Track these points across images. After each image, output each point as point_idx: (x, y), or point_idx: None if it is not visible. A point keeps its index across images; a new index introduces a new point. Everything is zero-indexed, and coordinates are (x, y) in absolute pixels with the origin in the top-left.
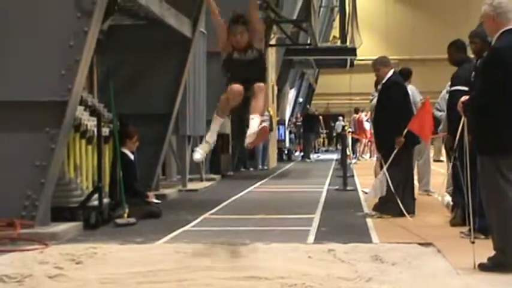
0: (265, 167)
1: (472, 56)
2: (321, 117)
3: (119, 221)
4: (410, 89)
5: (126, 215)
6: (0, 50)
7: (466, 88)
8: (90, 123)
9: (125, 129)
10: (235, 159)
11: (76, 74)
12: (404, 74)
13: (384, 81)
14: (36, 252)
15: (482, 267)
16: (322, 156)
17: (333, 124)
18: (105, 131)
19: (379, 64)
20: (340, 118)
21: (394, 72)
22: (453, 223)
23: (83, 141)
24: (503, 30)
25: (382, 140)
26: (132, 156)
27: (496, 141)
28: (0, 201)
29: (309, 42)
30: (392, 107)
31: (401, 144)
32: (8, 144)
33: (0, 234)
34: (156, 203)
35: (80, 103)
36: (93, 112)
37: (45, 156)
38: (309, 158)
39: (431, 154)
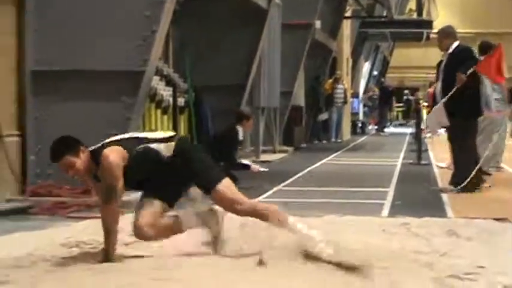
0: (339, 140)
1: None
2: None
3: (192, 192)
4: None
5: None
6: (79, 22)
7: None
8: (166, 93)
9: (243, 112)
10: (309, 131)
11: (152, 44)
12: (484, 48)
13: (450, 51)
14: (88, 220)
15: None
16: (396, 130)
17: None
18: (181, 101)
19: (442, 35)
20: (406, 92)
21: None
22: None
23: (159, 111)
24: None
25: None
26: (241, 135)
27: None
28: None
29: (384, 14)
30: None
31: (461, 82)
32: (85, 113)
33: (76, 201)
34: (263, 171)
35: (155, 73)
36: (169, 82)
37: (121, 125)
38: (383, 131)
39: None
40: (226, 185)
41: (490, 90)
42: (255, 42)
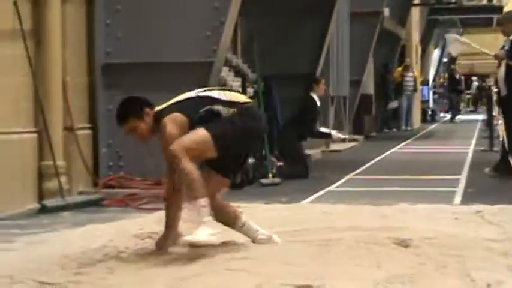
0: (409, 128)
1: None
2: (463, 77)
3: (264, 181)
4: None
5: (271, 175)
6: (148, 14)
7: None
8: (235, 83)
9: (311, 76)
10: (379, 120)
11: (221, 35)
12: None
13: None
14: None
15: None
16: (468, 117)
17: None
18: (250, 91)
19: (505, 20)
20: (474, 78)
21: None
22: None
23: None
24: None
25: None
26: (318, 101)
27: None
28: (150, 162)
29: (453, 1)
30: None
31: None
32: (156, 104)
33: (148, 193)
34: (344, 139)
35: (224, 64)
36: (238, 73)
37: None
38: (454, 119)
39: None
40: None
41: None
42: (323, 31)
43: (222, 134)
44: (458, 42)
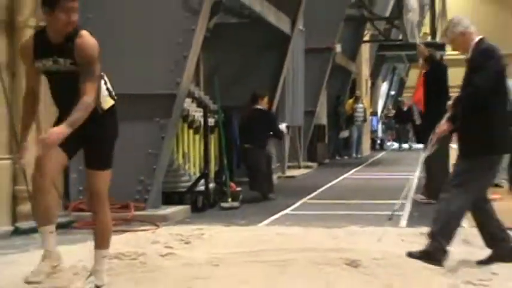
0: (359, 156)
1: None
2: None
3: (223, 204)
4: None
5: (230, 199)
6: (118, 48)
7: None
8: (197, 114)
9: (256, 92)
10: (331, 148)
11: (184, 68)
12: None
13: None
14: (148, 232)
15: None
16: (416, 145)
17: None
18: (211, 121)
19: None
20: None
21: None
22: None
23: (191, 131)
24: (475, 41)
25: None
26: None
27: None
28: (116, 185)
29: (400, 38)
30: None
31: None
32: (123, 133)
33: (116, 215)
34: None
35: (187, 95)
36: (200, 104)
37: (157, 145)
38: (401, 147)
39: None
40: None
41: None
42: (280, 66)
43: None
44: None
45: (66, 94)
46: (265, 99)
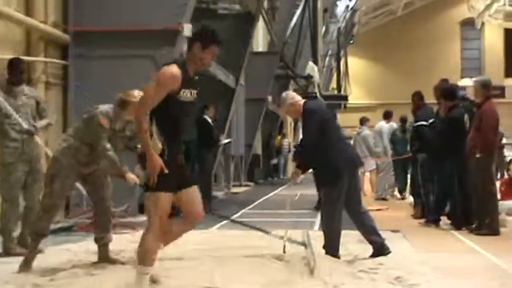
0: (285, 177)
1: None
2: None
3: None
4: (391, 125)
5: None
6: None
7: (426, 123)
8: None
9: (204, 104)
10: (265, 171)
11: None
12: (387, 114)
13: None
14: (129, 234)
15: None
16: None
17: None
18: None
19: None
20: None
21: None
22: (415, 217)
23: None
24: (302, 105)
25: None
26: (210, 120)
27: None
28: None
29: (315, 91)
30: None
31: None
32: None
33: None
34: (227, 142)
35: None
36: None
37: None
38: None
39: None
40: None
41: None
42: (227, 111)
43: None
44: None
45: (189, 124)
46: (211, 109)
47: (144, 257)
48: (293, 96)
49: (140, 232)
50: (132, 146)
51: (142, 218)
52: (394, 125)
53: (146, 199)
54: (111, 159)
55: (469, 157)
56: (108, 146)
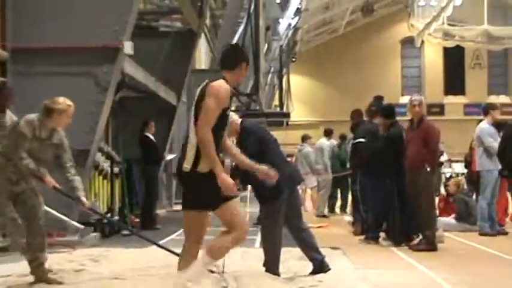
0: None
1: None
2: None
3: (124, 232)
4: (331, 142)
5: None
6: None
7: (363, 140)
8: (106, 164)
9: (144, 121)
10: None
11: (96, 131)
12: (328, 132)
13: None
14: (67, 253)
15: None
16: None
17: None
18: (116, 170)
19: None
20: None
21: None
22: (355, 233)
23: (100, 177)
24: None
25: None
26: (152, 137)
27: None
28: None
29: (257, 108)
30: None
31: None
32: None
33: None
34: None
35: (98, 150)
36: (108, 156)
37: None
38: None
39: None
40: None
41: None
42: (168, 128)
43: None
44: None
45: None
46: (152, 125)
47: (217, 250)
48: (231, 115)
49: (78, 251)
50: (60, 153)
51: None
52: (334, 142)
53: (225, 210)
54: (27, 168)
55: (415, 173)
56: (24, 155)
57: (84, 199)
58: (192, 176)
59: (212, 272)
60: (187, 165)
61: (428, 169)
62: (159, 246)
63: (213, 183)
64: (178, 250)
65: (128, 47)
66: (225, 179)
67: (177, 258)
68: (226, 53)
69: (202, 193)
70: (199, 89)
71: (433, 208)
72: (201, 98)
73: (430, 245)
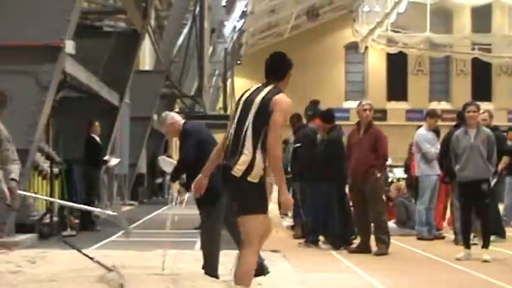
0: (170, 196)
1: None
2: None
3: (63, 233)
4: None
5: (69, 229)
6: None
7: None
8: (45, 164)
9: (90, 122)
10: (149, 190)
11: (36, 130)
12: None
13: None
14: (3, 255)
15: None
16: None
17: None
18: (55, 170)
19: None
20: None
21: None
22: (295, 237)
23: (40, 178)
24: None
25: None
26: (98, 139)
27: None
28: None
29: (202, 110)
30: None
31: None
32: None
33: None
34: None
35: (38, 150)
36: (48, 157)
37: None
38: None
39: None
40: None
41: None
42: (110, 129)
43: None
44: (166, 161)
45: None
46: (96, 126)
47: (246, 277)
48: (173, 116)
49: (15, 252)
50: None
51: (19, 238)
52: None
53: (247, 221)
54: None
55: (362, 178)
56: None
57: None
58: (240, 182)
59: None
60: (238, 171)
61: (378, 175)
62: (80, 252)
63: (257, 193)
64: (118, 251)
65: (70, 46)
66: (289, 198)
67: (124, 259)
68: (274, 64)
69: (243, 199)
70: (259, 99)
71: (384, 212)
72: (264, 109)
73: (367, 248)
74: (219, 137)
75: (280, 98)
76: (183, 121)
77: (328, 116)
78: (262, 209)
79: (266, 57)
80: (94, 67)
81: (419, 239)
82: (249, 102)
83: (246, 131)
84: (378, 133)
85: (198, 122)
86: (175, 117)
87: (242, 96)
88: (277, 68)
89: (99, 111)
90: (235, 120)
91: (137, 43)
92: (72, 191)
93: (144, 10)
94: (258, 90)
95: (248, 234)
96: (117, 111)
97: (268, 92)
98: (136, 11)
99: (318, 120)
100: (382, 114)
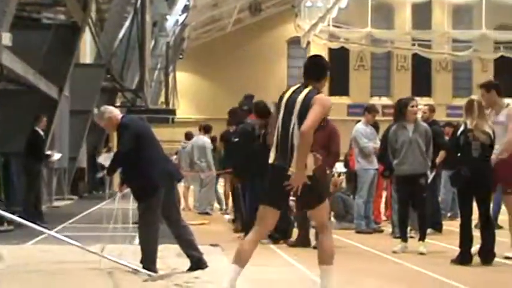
0: (111, 191)
1: None
2: None
3: (0, 228)
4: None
5: (6, 224)
6: None
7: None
8: None
9: (36, 116)
10: (90, 184)
11: None
12: (206, 129)
13: None
14: None
15: None
16: None
17: None
18: None
19: None
20: None
21: None
22: (235, 231)
23: None
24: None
25: None
26: (42, 133)
27: None
28: None
29: (144, 104)
30: None
31: None
32: None
33: None
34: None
35: None
36: None
37: None
38: None
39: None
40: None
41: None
42: (50, 123)
43: None
44: (105, 156)
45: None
46: (43, 120)
47: (333, 257)
48: (111, 110)
49: None
50: None
51: None
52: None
53: (318, 212)
54: None
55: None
56: None
57: None
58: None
59: None
60: (293, 168)
61: (328, 171)
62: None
63: (316, 185)
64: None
65: (6, 38)
66: (301, 175)
67: (54, 255)
68: (315, 65)
69: (303, 194)
70: (301, 98)
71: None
72: (307, 108)
73: (306, 242)
74: (160, 131)
75: (321, 96)
76: (121, 115)
77: (263, 111)
78: (324, 197)
79: (209, 52)
80: (33, 60)
81: (358, 232)
82: (291, 102)
83: (293, 131)
84: (333, 129)
85: (137, 116)
86: (114, 111)
87: (282, 96)
88: (316, 70)
89: (38, 104)
90: (280, 121)
91: (77, 36)
92: (8, 185)
93: (84, 2)
94: (298, 91)
95: (323, 222)
96: (56, 104)
97: (308, 92)
98: (76, 3)
99: (252, 115)
100: None
